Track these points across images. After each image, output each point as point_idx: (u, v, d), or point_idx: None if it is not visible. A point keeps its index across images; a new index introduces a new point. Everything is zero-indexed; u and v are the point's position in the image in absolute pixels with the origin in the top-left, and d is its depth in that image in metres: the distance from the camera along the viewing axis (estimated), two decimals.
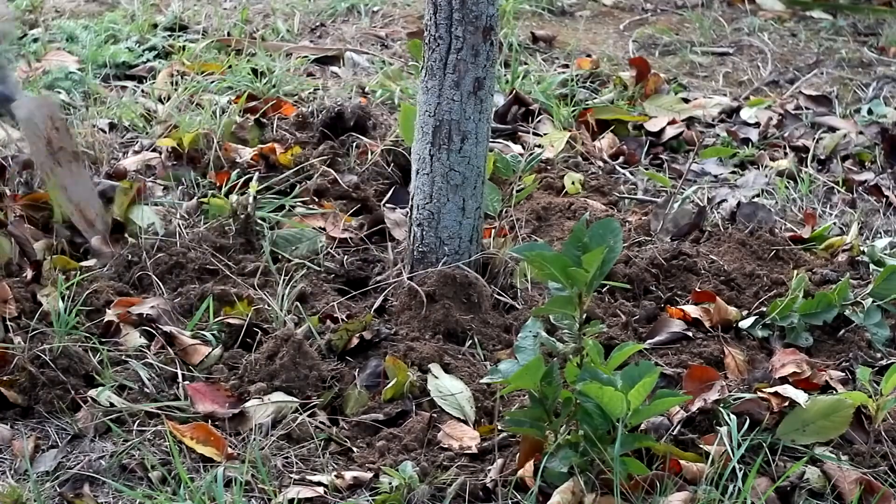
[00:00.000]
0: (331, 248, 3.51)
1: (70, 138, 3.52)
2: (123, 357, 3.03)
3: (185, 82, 4.42)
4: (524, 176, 3.52)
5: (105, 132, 4.09)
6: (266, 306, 3.21)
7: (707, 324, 3.26)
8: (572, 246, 2.64)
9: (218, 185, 3.75)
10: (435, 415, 2.90)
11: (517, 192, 3.53)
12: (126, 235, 3.47)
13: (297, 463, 2.78)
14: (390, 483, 2.67)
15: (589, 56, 5.07)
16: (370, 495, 2.68)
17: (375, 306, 3.24)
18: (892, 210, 4.03)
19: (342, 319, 3.17)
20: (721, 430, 2.75)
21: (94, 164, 3.82)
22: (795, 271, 3.43)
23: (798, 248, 3.65)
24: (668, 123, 4.48)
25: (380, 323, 3.17)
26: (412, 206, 3.27)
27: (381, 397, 2.95)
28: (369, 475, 2.73)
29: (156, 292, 3.27)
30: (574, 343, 2.68)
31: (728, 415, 2.78)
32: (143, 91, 4.42)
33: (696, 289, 3.37)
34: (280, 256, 3.45)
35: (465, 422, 2.89)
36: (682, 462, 2.71)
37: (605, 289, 3.35)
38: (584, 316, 2.68)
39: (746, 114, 4.68)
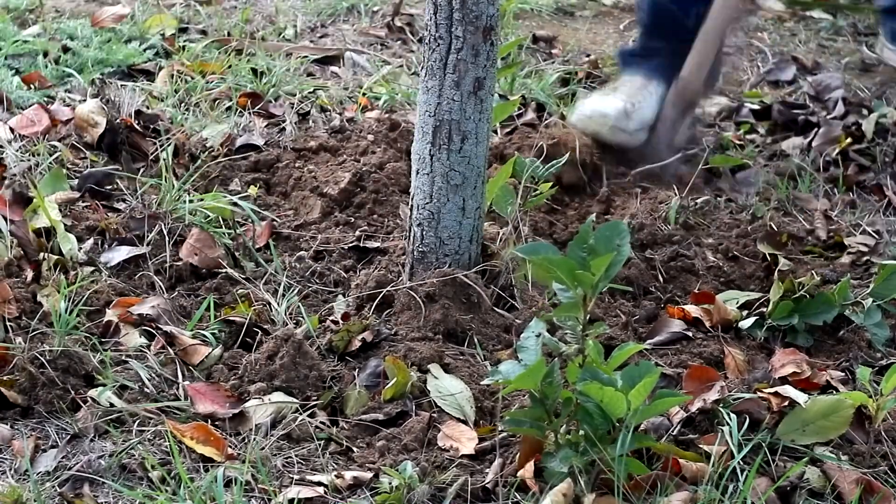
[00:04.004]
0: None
1: None
2: (123, 357, 3.04)
3: (183, 83, 4.42)
4: (541, 183, 3.50)
5: None
6: (266, 306, 3.22)
7: (707, 324, 3.26)
8: (577, 247, 2.63)
9: None
10: (435, 415, 2.90)
11: (532, 197, 3.50)
12: None
13: (297, 463, 2.78)
14: (390, 483, 2.67)
15: (589, 56, 5.07)
16: (370, 495, 2.68)
17: (374, 306, 3.24)
18: (893, 210, 4.03)
19: (341, 321, 3.18)
20: (724, 430, 2.74)
21: None
22: (778, 274, 3.40)
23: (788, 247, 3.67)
24: None
25: (380, 323, 3.17)
26: (412, 206, 3.27)
27: (381, 397, 2.95)
28: (369, 475, 2.73)
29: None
30: (577, 344, 2.67)
31: (728, 414, 2.78)
32: (143, 90, 4.43)
33: (696, 290, 3.37)
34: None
35: (465, 422, 2.89)
36: (682, 462, 2.71)
37: (604, 289, 3.34)
38: (588, 317, 2.67)
39: (747, 113, 4.68)
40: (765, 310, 3.29)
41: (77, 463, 2.73)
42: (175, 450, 2.70)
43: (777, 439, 2.81)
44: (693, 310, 3.28)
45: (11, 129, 3.98)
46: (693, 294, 3.35)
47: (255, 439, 2.79)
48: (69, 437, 2.81)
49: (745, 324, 3.26)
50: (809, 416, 2.81)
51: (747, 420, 2.79)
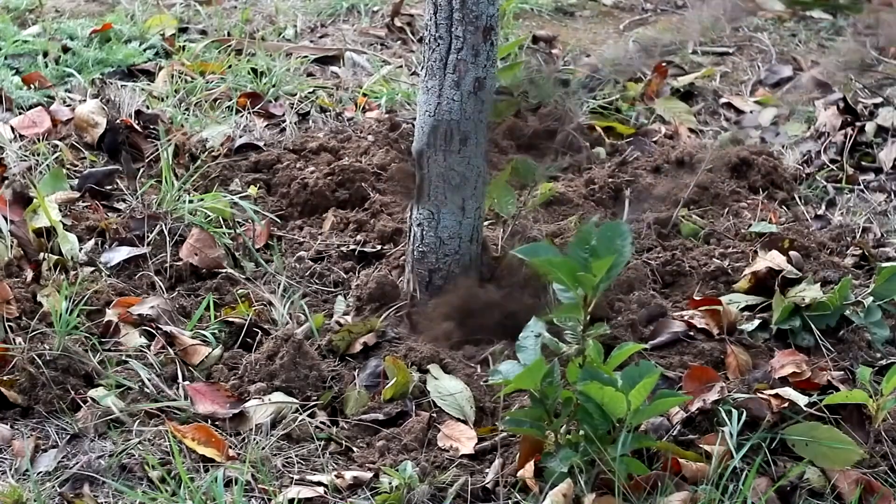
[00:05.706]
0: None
1: None
2: (123, 357, 3.04)
3: (183, 83, 4.42)
4: (541, 183, 3.50)
5: None
6: (267, 306, 3.22)
7: (710, 326, 3.25)
8: (578, 248, 2.63)
9: None
10: (435, 415, 2.90)
11: (532, 197, 3.50)
12: None
13: (297, 463, 2.78)
14: (390, 483, 2.67)
15: (589, 56, 5.07)
16: (370, 495, 2.68)
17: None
18: (893, 210, 4.03)
19: (341, 322, 3.18)
20: (724, 429, 2.74)
21: None
22: (777, 291, 3.40)
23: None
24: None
25: (387, 326, 3.16)
26: (412, 206, 3.27)
27: (380, 397, 2.95)
28: (369, 475, 2.73)
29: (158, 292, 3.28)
30: (577, 344, 2.67)
31: (730, 410, 2.77)
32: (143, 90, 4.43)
33: (695, 294, 3.36)
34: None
35: (465, 422, 2.89)
36: (682, 462, 2.71)
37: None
38: (588, 317, 2.67)
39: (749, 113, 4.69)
40: (766, 315, 3.28)
41: (77, 463, 2.73)
42: (175, 450, 2.70)
43: (780, 437, 2.80)
44: (696, 312, 3.26)
45: (13, 129, 3.98)
46: (692, 301, 3.33)
47: (255, 439, 2.79)
48: (69, 437, 2.81)
49: (748, 327, 3.24)
50: (819, 436, 2.79)
51: (744, 414, 2.78)
